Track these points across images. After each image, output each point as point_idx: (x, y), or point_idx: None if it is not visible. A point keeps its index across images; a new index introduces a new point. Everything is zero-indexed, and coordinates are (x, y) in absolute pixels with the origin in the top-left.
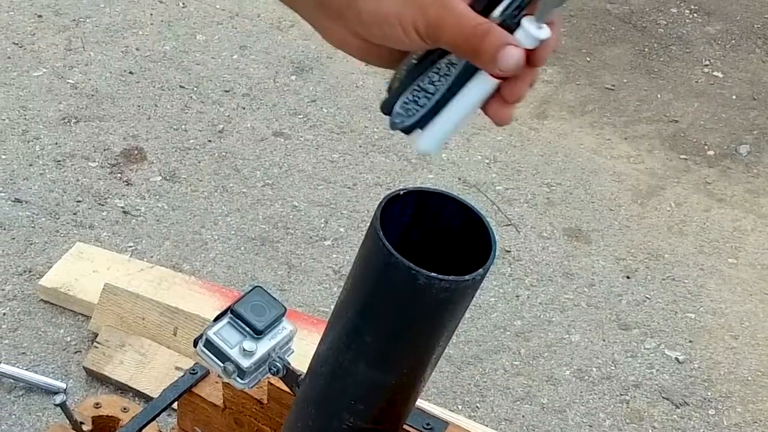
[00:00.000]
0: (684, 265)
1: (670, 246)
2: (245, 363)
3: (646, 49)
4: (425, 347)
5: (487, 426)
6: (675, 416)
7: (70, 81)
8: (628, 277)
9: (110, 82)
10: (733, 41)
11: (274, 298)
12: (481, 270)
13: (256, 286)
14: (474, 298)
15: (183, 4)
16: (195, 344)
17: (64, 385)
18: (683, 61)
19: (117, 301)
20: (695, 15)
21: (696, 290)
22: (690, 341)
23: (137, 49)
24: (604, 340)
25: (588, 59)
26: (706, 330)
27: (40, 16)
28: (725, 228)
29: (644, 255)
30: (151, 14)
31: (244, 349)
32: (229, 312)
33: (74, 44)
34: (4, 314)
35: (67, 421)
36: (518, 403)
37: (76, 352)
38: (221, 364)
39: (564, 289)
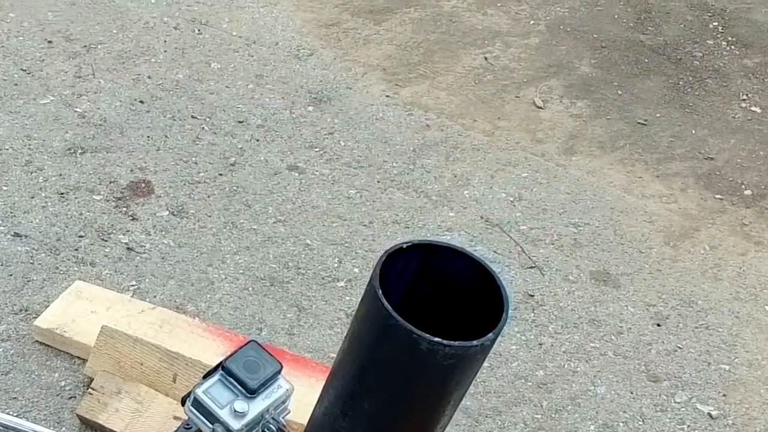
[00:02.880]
0: (718, 312)
1: (704, 292)
2: (236, 425)
3: (681, 82)
4: (429, 417)
5: None
6: None
7: (78, 110)
8: (658, 325)
9: (119, 112)
10: None
11: (270, 354)
12: (491, 335)
13: (250, 341)
14: (495, 346)
15: (198, 30)
16: (183, 402)
17: None
18: (719, 95)
19: (114, 344)
20: (732, 47)
21: (731, 340)
22: (724, 395)
23: (149, 77)
24: (631, 393)
25: (619, 92)
26: (742, 383)
27: (50, 42)
28: (763, 273)
29: (676, 301)
30: (165, 41)
31: (236, 410)
32: (220, 368)
33: (84, 71)
34: None
35: None
36: None
37: (70, 398)
38: (210, 426)
39: (590, 337)
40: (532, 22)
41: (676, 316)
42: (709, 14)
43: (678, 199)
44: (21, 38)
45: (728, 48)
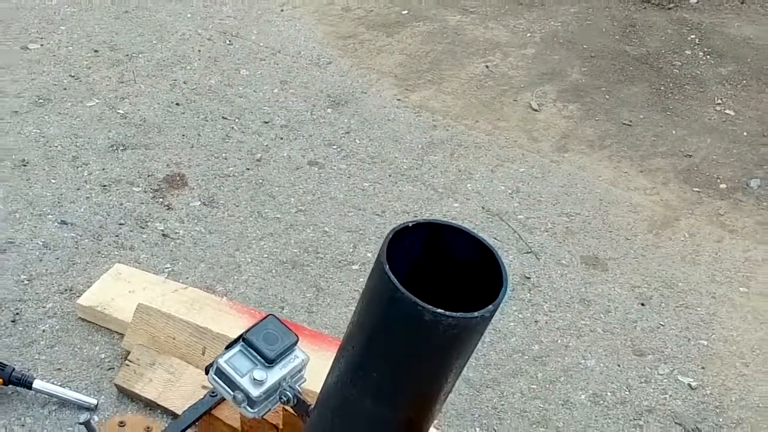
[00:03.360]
0: (697, 293)
1: (684, 275)
2: (255, 392)
3: (662, 88)
4: (433, 384)
5: None
6: None
7: (120, 111)
8: (642, 305)
9: (157, 113)
10: (745, 81)
11: (287, 327)
12: (490, 306)
13: (269, 315)
14: (494, 322)
15: (229, 41)
16: (206, 371)
17: (95, 401)
18: (697, 100)
19: (149, 321)
20: (708, 57)
21: (708, 318)
22: (702, 368)
23: (185, 83)
24: (619, 366)
25: (607, 97)
26: (718, 357)
27: (96, 51)
28: (737, 258)
29: (658, 283)
30: (200, 51)
31: (255, 378)
32: (240, 340)
33: (126, 77)
34: (44, 331)
35: None
36: (534, 426)
37: (109, 369)
38: (231, 393)
39: (581, 315)
40: (528, 34)
41: (658, 297)
42: (687, 28)
43: (660, 192)
44: (71, 48)
45: (704, 58)
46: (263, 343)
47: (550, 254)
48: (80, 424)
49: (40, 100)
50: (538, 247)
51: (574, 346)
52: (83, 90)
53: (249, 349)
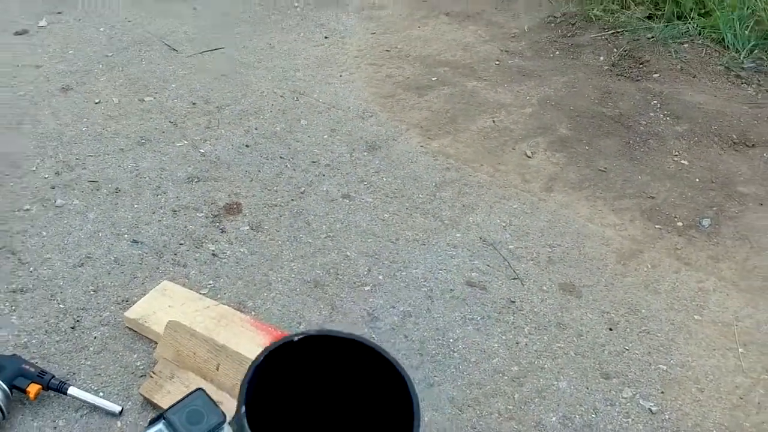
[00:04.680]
0: (657, 319)
1: (646, 302)
2: None
3: (631, 142)
4: None
5: None
6: None
7: (201, 150)
8: (611, 329)
9: (230, 153)
10: (696, 138)
11: (215, 404)
12: None
13: (197, 389)
14: (480, 343)
15: (296, 98)
16: None
17: (119, 408)
18: (658, 152)
19: (176, 336)
20: (668, 118)
21: (667, 343)
22: (662, 392)
23: (256, 129)
24: (587, 388)
25: (587, 148)
26: (676, 381)
27: (194, 104)
28: (692, 288)
29: (625, 309)
30: (272, 104)
31: None
32: (162, 418)
33: (212, 124)
34: (95, 338)
35: None
36: None
37: (141, 376)
38: None
39: (556, 338)
40: (527, 97)
41: (624, 322)
42: (651, 95)
43: (627, 228)
44: (175, 101)
45: (664, 118)
46: (185, 424)
47: (533, 281)
48: None
49: (142, 141)
50: (523, 274)
51: (549, 367)
52: (177, 133)
53: (170, 429)
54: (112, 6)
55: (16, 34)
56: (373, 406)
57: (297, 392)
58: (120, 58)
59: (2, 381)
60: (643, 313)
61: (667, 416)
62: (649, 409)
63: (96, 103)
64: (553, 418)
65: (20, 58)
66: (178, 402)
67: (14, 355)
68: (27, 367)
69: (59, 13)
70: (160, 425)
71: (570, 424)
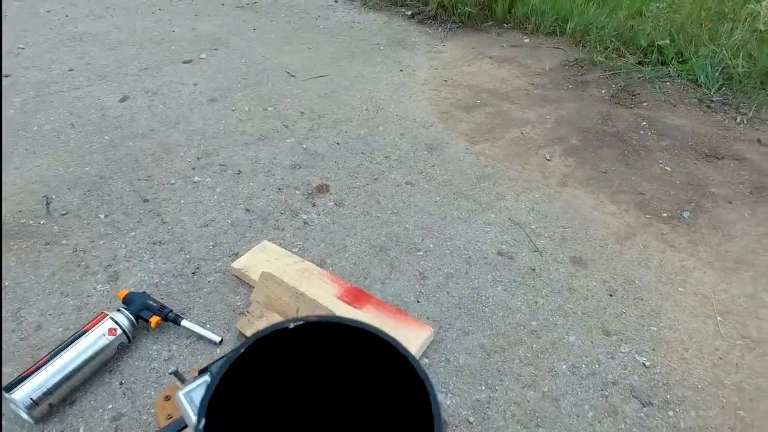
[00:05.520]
0: (648, 289)
1: (639, 275)
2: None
3: (626, 152)
4: None
5: (500, 407)
6: (642, 414)
7: (304, 146)
8: (611, 295)
9: (325, 148)
10: (676, 151)
11: None
12: None
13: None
14: (506, 300)
15: (377, 111)
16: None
17: (220, 338)
18: (647, 160)
19: (267, 284)
20: (654, 135)
21: (657, 309)
22: (653, 349)
23: (346, 132)
24: (592, 343)
25: (592, 155)
26: (665, 341)
27: (302, 113)
28: (676, 265)
29: (622, 280)
30: (359, 115)
31: None
32: (208, 370)
33: (314, 128)
34: (209, 282)
35: (179, 383)
36: (526, 389)
37: (240, 314)
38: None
39: (567, 300)
40: (547, 117)
41: (622, 290)
42: (641, 118)
43: (624, 216)
44: (289, 111)
45: (651, 136)
46: None
47: (549, 253)
48: (170, 374)
49: (262, 137)
50: (542, 248)
51: (561, 324)
52: (287, 133)
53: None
54: (252, 46)
55: (184, 62)
56: (384, 409)
57: (292, 389)
58: (253, 80)
59: (131, 312)
60: (637, 284)
61: (658, 370)
62: (643, 363)
63: (232, 110)
64: (564, 366)
65: (184, 79)
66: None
67: (144, 292)
68: (151, 302)
69: (215, 49)
70: (206, 376)
71: (578, 372)
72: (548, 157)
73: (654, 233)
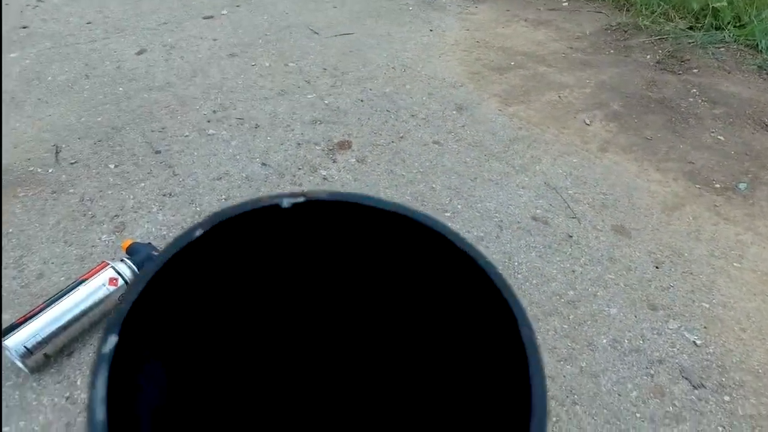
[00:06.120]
0: (699, 263)
1: (689, 248)
2: None
3: (673, 119)
4: None
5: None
6: (693, 397)
7: (326, 102)
8: (657, 267)
9: (348, 105)
10: (731, 120)
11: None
12: None
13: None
14: (541, 268)
15: (404, 70)
16: None
17: None
18: (697, 128)
19: None
20: (705, 103)
21: (709, 284)
22: (705, 327)
23: (370, 89)
24: (635, 317)
25: (636, 121)
26: (719, 320)
27: (324, 69)
28: (730, 239)
29: (669, 252)
30: (384, 73)
31: None
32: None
33: (336, 84)
34: None
35: None
36: (561, 363)
37: None
38: None
39: (608, 270)
40: (587, 81)
41: (669, 263)
42: (691, 85)
43: (671, 185)
44: (311, 67)
45: (702, 104)
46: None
47: (588, 221)
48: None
49: (282, 92)
50: (580, 214)
51: (601, 295)
52: (308, 89)
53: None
54: (275, 2)
55: (204, 18)
56: (423, 344)
57: (279, 309)
58: (275, 36)
59: (134, 263)
60: (686, 257)
61: (711, 350)
62: (694, 341)
63: (252, 65)
64: (604, 340)
65: (204, 34)
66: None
67: (149, 243)
68: (155, 253)
69: (237, 6)
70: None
71: (619, 347)
72: (588, 122)
73: (705, 204)
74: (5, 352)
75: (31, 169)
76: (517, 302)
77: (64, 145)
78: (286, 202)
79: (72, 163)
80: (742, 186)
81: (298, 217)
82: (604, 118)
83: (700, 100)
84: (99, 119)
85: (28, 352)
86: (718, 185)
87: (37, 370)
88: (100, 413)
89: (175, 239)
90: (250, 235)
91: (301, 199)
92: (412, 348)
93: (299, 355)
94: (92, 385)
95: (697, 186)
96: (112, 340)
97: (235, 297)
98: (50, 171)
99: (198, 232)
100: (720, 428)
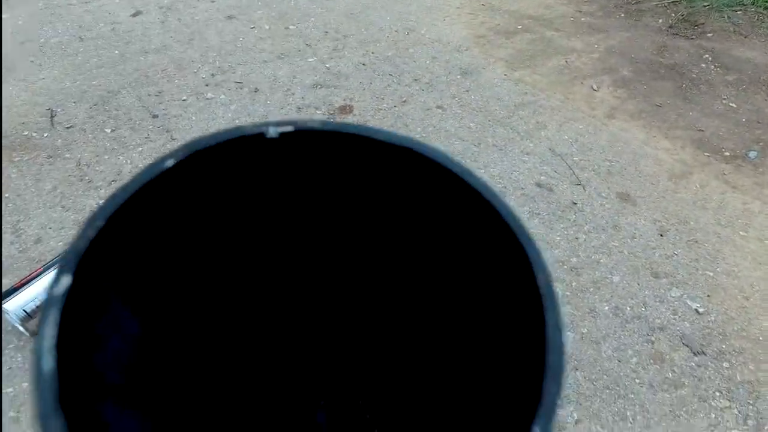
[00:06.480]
0: (705, 231)
1: (695, 216)
2: None
3: (683, 86)
4: None
5: None
6: (692, 363)
7: (327, 66)
8: (661, 235)
9: (350, 68)
10: (744, 86)
11: None
12: None
13: None
14: (544, 235)
15: (407, 33)
16: None
17: None
18: (708, 95)
19: None
20: (718, 69)
21: (714, 253)
22: (708, 295)
23: (372, 53)
24: (638, 284)
25: (645, 87)
26: (722, 288)
27: (326, 32)
28: (737, 208)
29: (675, 220)
30: (387, 37)
31: None
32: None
33: (338, 47)
34: None
35: None
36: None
37: None
38: None
39: (612, 238)
40: (596, 45)
41: (674, 231)
42: (703, 50)
43: (679, 153)
44: (312, 30)
45: (715, 69)
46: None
47: (593, 188)
48: None
49: (282, 56)
50: (585, 181)
51: (604, 262)
52: (309, 52)
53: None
54: None
55: None
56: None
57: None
58: None
59: None
60: (692, 225)
61: (713, 318)
62: (696, 309)
63: (251, 28)
64: (606, 308)
65: None
66: None
67: None
68: None
69: None
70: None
71: (621, 314)
72: (595, 88)
73: (713, 172)
74: (5, 316)
75: (26, 133)
76: (533, 246)
77: (59, 109)
78: (272, 131)
79: (67, 128)
80: (752, 154)
81: (286, 149)
82: (612, 84)
83: (712, 66)
84: (94, 83)
85: (28, 316)
86: (727, 153)
87: (38, 333)
88: (48, 363)
89: (145, 169)
90: (231, 167)
91: (289, 128)
92: (417, 292)
93: (290, 301)
94: (41, 332)
95: (706, 154)
96: (65, 280)
97: (214, 238)
98: (45, 135)
99: (170, 162)
100: (717, 393)
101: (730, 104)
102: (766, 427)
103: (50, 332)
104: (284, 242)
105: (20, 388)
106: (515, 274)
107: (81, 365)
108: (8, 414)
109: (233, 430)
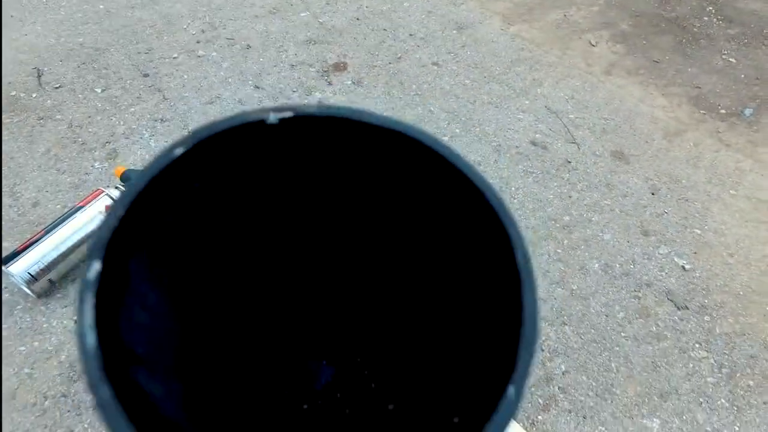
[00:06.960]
0: (695, 190)
1: (687, 174)
2: None
3: (684, 40)
4: None
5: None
6: (676, 317)
7: (321, 20)
8: (653, 194)
9: (343, 23)
10: (746, 40)
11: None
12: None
13: None
14: (537, 193)
15: None
16: None
17: None
18: (708, 50)
19: None
20: (720, 22)
21: (703, 211)
22: (695, 252)
23: (367, 7)
24: (628, 242)
25: (644, 42)
26: (708, 245)
27: None
28: (729, 166)
29: (667, 178)
30: None
31: None
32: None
33: (331, 1)
34: None
35: None
36: (554, 285)
37: None
38: None
39: (604, 196)
40: None
41: (666, 189)
42: (707, 2)
43: (675, 111)
44: None
45: (717, 23)
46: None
47: (588, 146)
48: None
49: (274, 11)
50: (580, 140)
51: (596, 221)
52: (302, 6)
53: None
54: None
55: None
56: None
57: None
58: None
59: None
60: (683, 183)
61: (697, 274)
62: (682, 266)
63: None
64: (596, 265)
65: None
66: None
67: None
68: None
69: None
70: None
71: (610, 271)
72: (593, 43)
73: (708, 130)
74: (12, 279)
75: (14, 93)
76: (513, 225)
77: (45, 68)
78: (272, 117)
79: (56, 88)
80: (747, 112)
81: (286, 134)
82: (610, 38)
83: (715, 19)
84: (80, 40)
85: (33, 279)
86: (723, 111)
87: (44, 295)
88: (91, 338)
89: (155, 158)
90: (235, 152)
91: (288, 114)
92: (406, 268)
93: (295, 273)
94: (80, 312)
95: (702, 111)
96: (96, 266)
97: (222, 218)
98: (34, 96)
99: (179, 151)
100: (697, 345)
101: (730, 59)
102: (737, 374)
103: (89, 312)
104: (288, 217)
105: (32, 347)
106: (497, 252)
107: (115, 340)
108: (24, 370)
109: (248, 389)
